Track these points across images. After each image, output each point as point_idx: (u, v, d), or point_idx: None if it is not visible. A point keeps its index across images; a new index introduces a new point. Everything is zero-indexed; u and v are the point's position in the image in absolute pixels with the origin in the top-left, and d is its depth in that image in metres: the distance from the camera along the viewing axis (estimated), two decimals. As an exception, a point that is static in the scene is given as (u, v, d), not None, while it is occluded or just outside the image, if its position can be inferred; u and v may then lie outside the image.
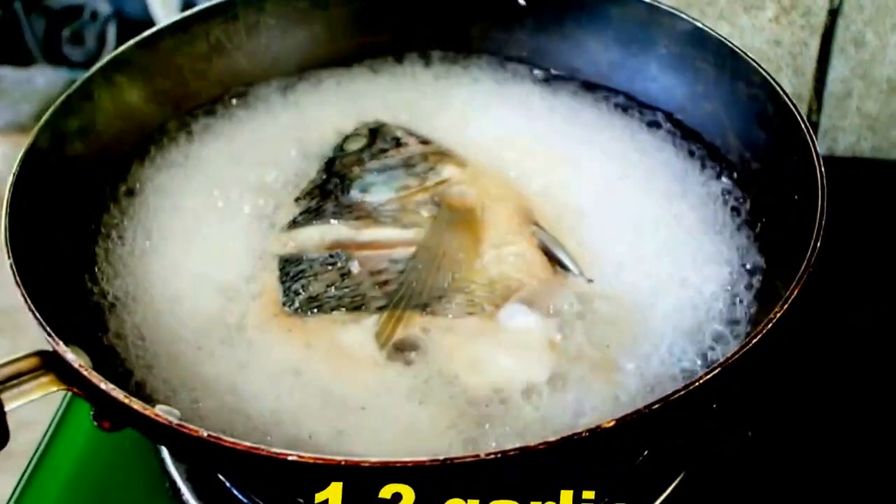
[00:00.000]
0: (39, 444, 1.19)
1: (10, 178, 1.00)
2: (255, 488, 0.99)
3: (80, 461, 1.18)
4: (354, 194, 1.15)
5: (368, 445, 0.91)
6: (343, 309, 1.02)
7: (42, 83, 3.24)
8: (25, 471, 1.16)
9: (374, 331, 1.00)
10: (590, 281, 1.07)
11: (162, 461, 1.13)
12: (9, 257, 0.92)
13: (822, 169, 0.98)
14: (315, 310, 1.03)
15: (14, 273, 0.89)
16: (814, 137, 1.01)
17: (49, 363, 0.85)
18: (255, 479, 0.83)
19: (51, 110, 1.12)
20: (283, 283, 1.06)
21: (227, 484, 1.08)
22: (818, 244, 0.91)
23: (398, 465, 0.74)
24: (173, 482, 1.11)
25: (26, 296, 0.87)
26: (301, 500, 1.00)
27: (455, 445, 0.91)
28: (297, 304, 1.04)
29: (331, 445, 0.90)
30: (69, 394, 1.18)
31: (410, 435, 0.93)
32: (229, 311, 1.05)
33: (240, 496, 1.07)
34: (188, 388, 0.98)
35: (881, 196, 1.51)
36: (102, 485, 1.17)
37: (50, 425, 1.21)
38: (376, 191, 1.15)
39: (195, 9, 1.27)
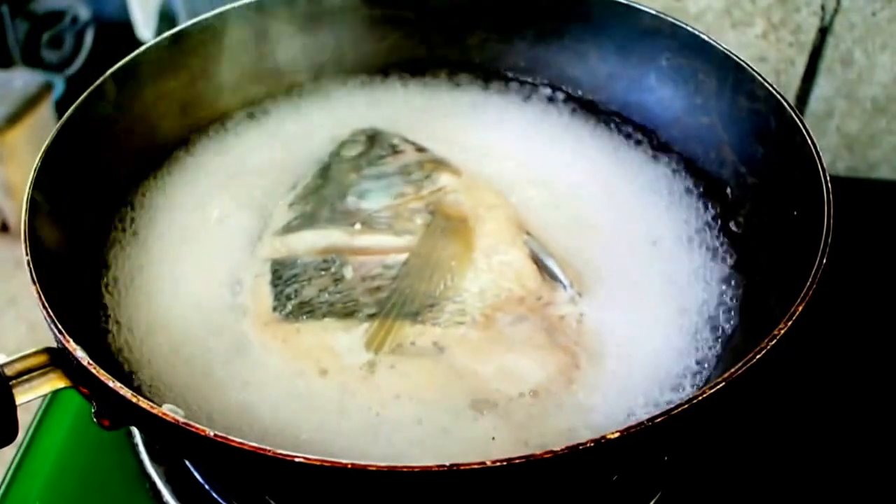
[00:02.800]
0: (19, 447, 1.19)
1: (30, 177, 1.00)
2: (256, 490, 0.99)
3: (60, 463, 1.17)
4: (351, 200, 1.15)
5: (369, 451, 0.92)
6: (335, 315, 1.02)
7: (19, 86, 3.25)
8: (6, 475, 1.16)
9: (365, 339, 1.00)
10: (579, 294, 1.07)
11: (141, 462, 1.12)
12: (26, 254, 0.91)
13: (829, 185, 0.97)
14: (306, 315, 1.02)
15: (30, 269, 0.89)
16: (820, 153, 1.01)
17: (57, 360, 0.86)
18: (257, 481, 0.82)
19: (67, 114, 1.10)
20: (274, 286, 1.06)
21: (207, 486, 1.08)
22: (824, 260, 0.90)
23: (405, 469, 0.73)
24: (153, 483, 1.10)
25: (40, 292, 0.87)
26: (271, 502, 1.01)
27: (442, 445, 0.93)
28: (288, 309, 1.03)
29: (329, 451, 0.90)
30: (47, 399, 1.19)
31: (411, 442, 0.93)
32: (224, 321, 1.05)
33: (217, 497, 1.07)
34: (181, 396, 0.98)
35: (862, 215, 1.52)
36: (82, 487, 1.16)
37: (28, 429, 1.20)
38: (372, 197, 1.15)
39: (205, 16, 1.28)
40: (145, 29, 2.93)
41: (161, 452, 1.11)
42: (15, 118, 3.17)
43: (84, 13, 3.65)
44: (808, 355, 1.19)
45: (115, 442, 1.14)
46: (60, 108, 3.37)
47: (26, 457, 1.17)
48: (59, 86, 3.46)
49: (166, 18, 2.92)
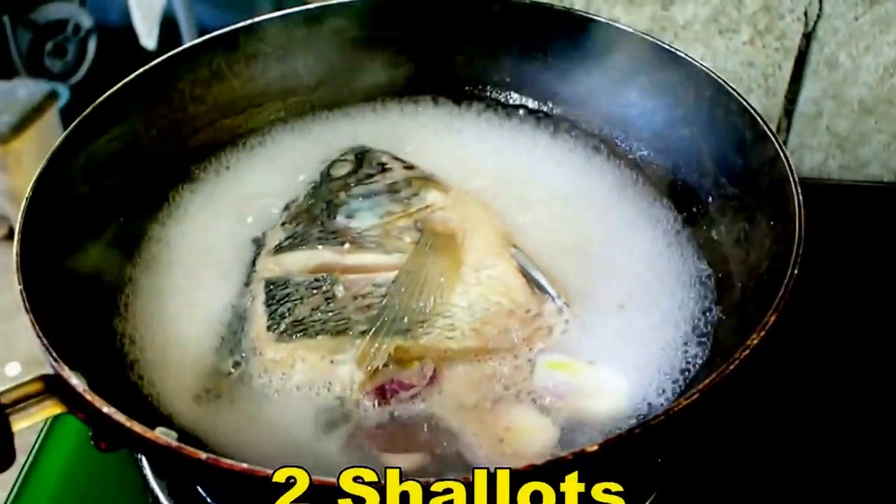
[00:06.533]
0: (25, 462, 1.20)
1: (23, 204, 1.02)
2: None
3: (65, 479, 1.19)
4: (340, 220, 1.16)
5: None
6: (327, 333, 1.03)
7: (23, 95, 3.23)
8: (11, 490, 1.17)
9: (357, 356, 1.01)
10: (566, 305, 1.08)
11: (144, 477, 1.14)
12: (19, 283, 0.93)
13: (801, 198, 0.99)
14: (300, 334, 1.03)
15: (23, 298, 0.91)
16: (792, 166, 1.03)
17: (52, 387, 0.87)
18: (251, 498, 0.84)
19: (58, 142, 1.10)
20: (268, 306, 1.07)
21: (209, 501, 1.09)
22: (795, 272, 0.92)
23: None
24: (156, 498, 1.12)
25: (34, 321, 0.89)
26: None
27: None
28: (282, 328, 1.04)
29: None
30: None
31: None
32: (225, 343, 1.08)
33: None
34: (185, 415, 1.00)
35: (851, 219, 1.52)
36: (86, 501, 1.19)
37: (34, 444, 1.22)
38: (362, 216, 1.16)
39: (196, 41, 1.28)
40: (148, 37, 2.94)
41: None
42: (20, 127, 3.14)
43: (86, 22, 3.65)
44: (805, 352, 1.22)
45: (119, 457, 1.14)
46: (65, 116, 3.36)
47: (32, 471, 1.19)
48: (64, 94, 3.45)
49: (168, 27, 2.92)
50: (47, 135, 3.25)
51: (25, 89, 3.28)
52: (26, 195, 1.03)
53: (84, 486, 1.19)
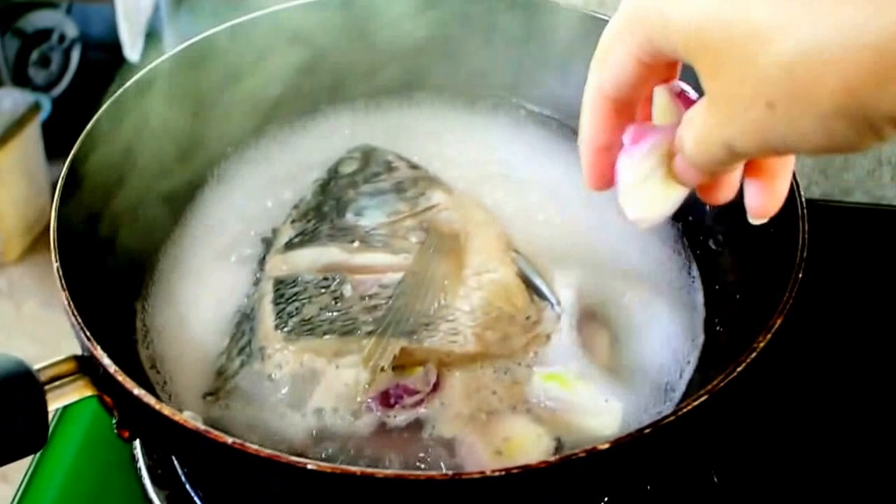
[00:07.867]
0: (24, 474, 1.19)
1: (59, 184, 1.02)
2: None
3: (64, 489, 1.19)
4: (349, 217, 1.17)
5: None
6: (334, 333, 1.04)
7: (8, 105, 3.20)
8: (18, 489, 1.17)
9: (362, 356, 1.02)
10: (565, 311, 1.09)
11: (143, 487, 1.14)
12: (55, 261, 0.93)
13: (804, 201, 1.00)
14: (307, 333, 1.04)
15: (59, 277, 0.92)
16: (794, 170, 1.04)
17: (84, 367, 0.88)
18: (271, 489, 0.85)
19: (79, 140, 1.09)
20: (276, 304, 1.08)
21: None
22: (800, 275, 0.93)
23: (410, 478, 0.78)
24: (153, 506, 1.13)
25: (69, 299, 0.89)
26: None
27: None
28: (289, 327, 1.05)
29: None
30: (51, 426, 1.21)
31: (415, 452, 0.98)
32: (238, 340, 1.08)
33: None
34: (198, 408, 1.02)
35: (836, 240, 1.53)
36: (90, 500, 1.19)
37: (33, 457, 1.21)
38: (370, 214, 1.17)
39: (201, 36, 1.27)
40: (132, 49, 2.93)
41: (164, 476, 1.14)
42: (2, 140, 3.14)
43: (71, 31, 3.64)
44: (786, 378, 1.22)
45: (119, 467, 1.16)
46: (47, 129, 3.36)
47: (31, 484, 1.19)
48: (47, 106, 3.44)
49: (152, 38, 2.92)
50: (29, 148, 3.24)
51: (10, 100, 3.25)
52: (61, 177, 1.03)
53: (83, 499, 1.19)
